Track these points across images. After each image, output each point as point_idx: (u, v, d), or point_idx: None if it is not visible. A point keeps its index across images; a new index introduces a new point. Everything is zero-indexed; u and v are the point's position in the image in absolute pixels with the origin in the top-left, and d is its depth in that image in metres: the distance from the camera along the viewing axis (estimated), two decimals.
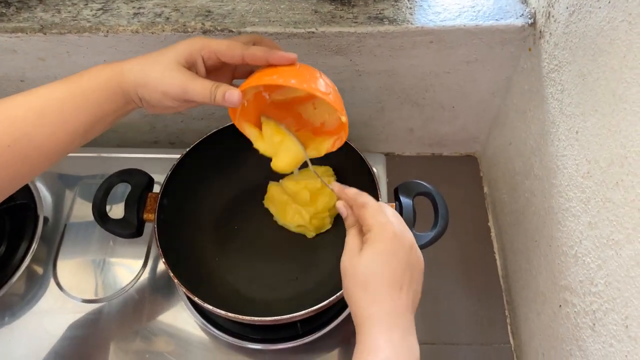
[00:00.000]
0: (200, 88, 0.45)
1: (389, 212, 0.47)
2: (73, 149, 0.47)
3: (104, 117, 0.46)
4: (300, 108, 0.54)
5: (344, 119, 0.48)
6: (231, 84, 0.47)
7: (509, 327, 0.74)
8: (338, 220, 0.69)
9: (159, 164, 0.69)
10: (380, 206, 0.47)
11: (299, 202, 0.67)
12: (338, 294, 0.54)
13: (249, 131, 0.52)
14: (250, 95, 0.51)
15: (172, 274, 0.54)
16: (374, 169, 0.64)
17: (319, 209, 0.66)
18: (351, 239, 0.47)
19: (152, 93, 0.45)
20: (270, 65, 0.47)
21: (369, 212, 0.46)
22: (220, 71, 0.50)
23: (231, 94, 0.45)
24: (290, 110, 0.54)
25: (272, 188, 0.70)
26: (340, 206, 0.50)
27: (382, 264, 0.44)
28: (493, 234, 0.83)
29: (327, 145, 0.53)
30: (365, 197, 0.48)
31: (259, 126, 0.54)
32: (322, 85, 0.47)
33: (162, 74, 0.45)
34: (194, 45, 0.46)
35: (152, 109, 0.48)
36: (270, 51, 0.46)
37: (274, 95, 0.53)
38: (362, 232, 0.47)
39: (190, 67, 0.46)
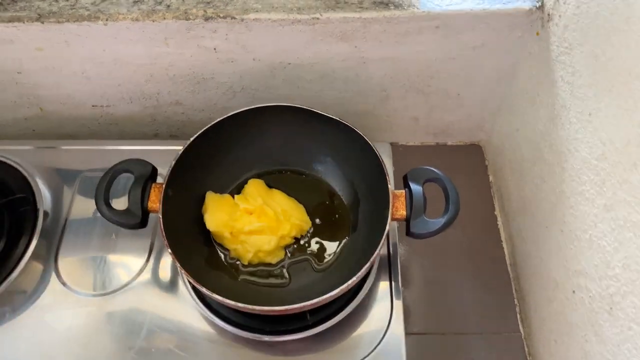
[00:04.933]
0: None
1: None
2: None
3: None
4: None
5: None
6: None
7: (518, 316, 0.73)
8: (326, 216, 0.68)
9: (160, 156, 0.67)
10: None
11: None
12: (349, 282, 0.52)
13: None
14: None
15: (179, 265, 0.53)
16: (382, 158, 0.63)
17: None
18: None
19: None
20: None
21: None
22: None
23: None
24: None
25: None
26: None
27: None
28: (500, 223, 0.82)
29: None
30: None
31: None
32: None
33: None
34: None
35: None
36: None
37: None
38: None
39: None
